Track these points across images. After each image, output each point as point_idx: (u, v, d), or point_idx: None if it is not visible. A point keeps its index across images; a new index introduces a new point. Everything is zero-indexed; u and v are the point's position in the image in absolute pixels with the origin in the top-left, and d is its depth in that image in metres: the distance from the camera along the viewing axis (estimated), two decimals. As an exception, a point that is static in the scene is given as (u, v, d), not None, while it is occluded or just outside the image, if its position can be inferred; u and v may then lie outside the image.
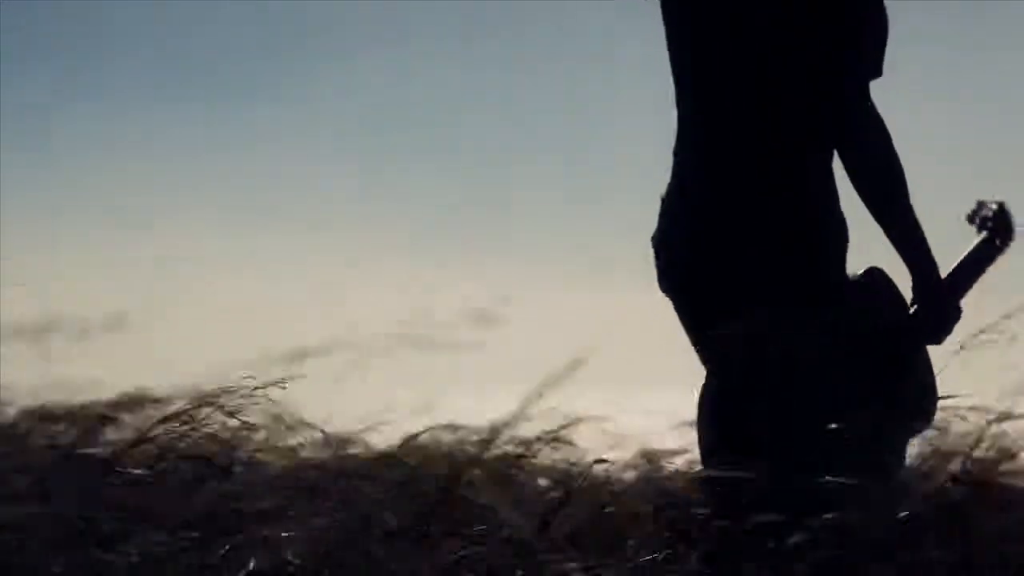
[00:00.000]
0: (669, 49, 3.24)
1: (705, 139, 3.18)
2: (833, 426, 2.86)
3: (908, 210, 3.09)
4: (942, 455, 2.99)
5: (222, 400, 3.48)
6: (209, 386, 3.54)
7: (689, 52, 3.19)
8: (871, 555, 2.84)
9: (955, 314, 3.12)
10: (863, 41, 3.12)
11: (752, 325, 2.98)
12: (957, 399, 3.04)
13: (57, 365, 4.31)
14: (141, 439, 3.51)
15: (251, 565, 2.95)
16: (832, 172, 3.15)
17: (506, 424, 3.50)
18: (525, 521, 3.18)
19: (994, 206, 3.16)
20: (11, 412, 4.21)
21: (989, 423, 2.97)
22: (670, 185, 3.21)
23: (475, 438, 3.58)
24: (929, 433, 3.03)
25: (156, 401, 3.74)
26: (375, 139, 14.09)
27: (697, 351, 3.14)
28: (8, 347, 4.30)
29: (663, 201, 3.21)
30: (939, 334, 3.11)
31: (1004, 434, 2.99)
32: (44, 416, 4.07)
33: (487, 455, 3.51)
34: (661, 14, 3.24)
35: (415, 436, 3.76)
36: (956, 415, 3.03)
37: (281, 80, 14.34)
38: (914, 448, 3.04)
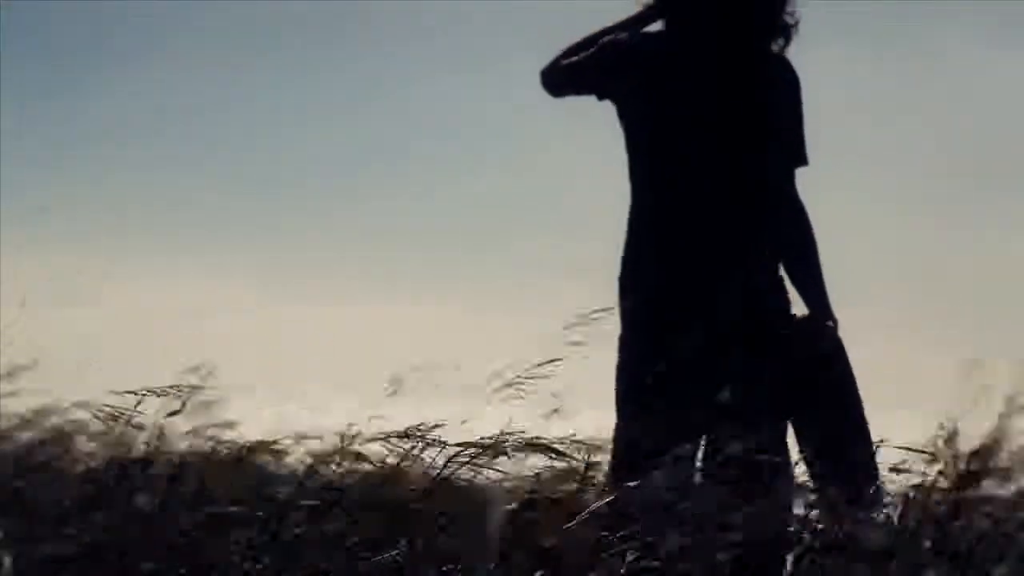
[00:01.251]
0: (629, 136, 3.77)
1: (660, 199, 3.72)
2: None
3: (816, 272, 3.68)
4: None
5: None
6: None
7: (647, 144, 3.74)
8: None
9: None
10: (789, 136, 3.70)
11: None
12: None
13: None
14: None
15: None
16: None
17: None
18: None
19: None
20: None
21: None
22: (633, 236, 3.74)
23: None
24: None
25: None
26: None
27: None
28: None
29: (627, 248, 3.73)
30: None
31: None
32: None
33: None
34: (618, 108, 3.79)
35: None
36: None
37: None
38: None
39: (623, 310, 3.67)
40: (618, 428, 3.57)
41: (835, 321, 3.63)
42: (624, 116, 3.79)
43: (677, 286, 3.63)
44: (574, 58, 3.85)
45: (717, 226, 3.65)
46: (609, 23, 3.89)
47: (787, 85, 3.70)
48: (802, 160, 3.71)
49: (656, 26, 3.86)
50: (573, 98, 3.91)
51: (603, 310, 3.62)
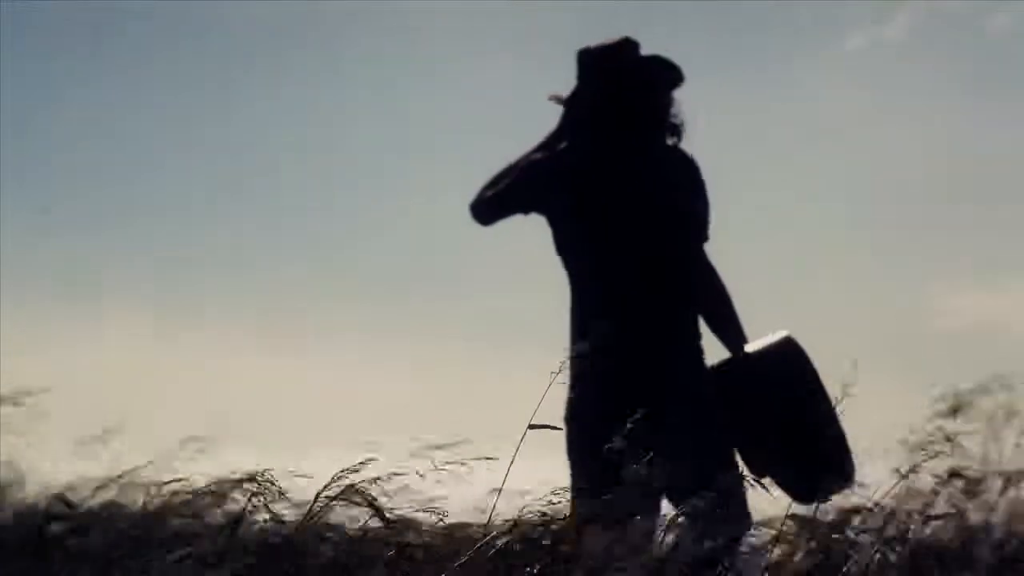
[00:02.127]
0: (559, 238, 4.28)
1: (592, 289, 4.22)
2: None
3: (735, 323, 4.21)
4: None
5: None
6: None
7: (575, 242, 4.25)
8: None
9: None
10: (698, 219, 4.25)
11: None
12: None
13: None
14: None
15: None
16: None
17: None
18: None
19: None
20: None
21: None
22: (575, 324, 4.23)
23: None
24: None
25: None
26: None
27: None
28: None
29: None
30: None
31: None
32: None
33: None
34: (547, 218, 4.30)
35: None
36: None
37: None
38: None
39: (573, 388, 4.11)
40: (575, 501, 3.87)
41: (755, 356, 4.15)
42: (552, 223, 4.31)
43: (620, 360, 4.08)
44: (497, 188, 4.35)
45: (642, 309, 4.14)
46: (520, 154, 4.39)
47: (688, 171, 4.25)
48: (705, 236, 4.25)
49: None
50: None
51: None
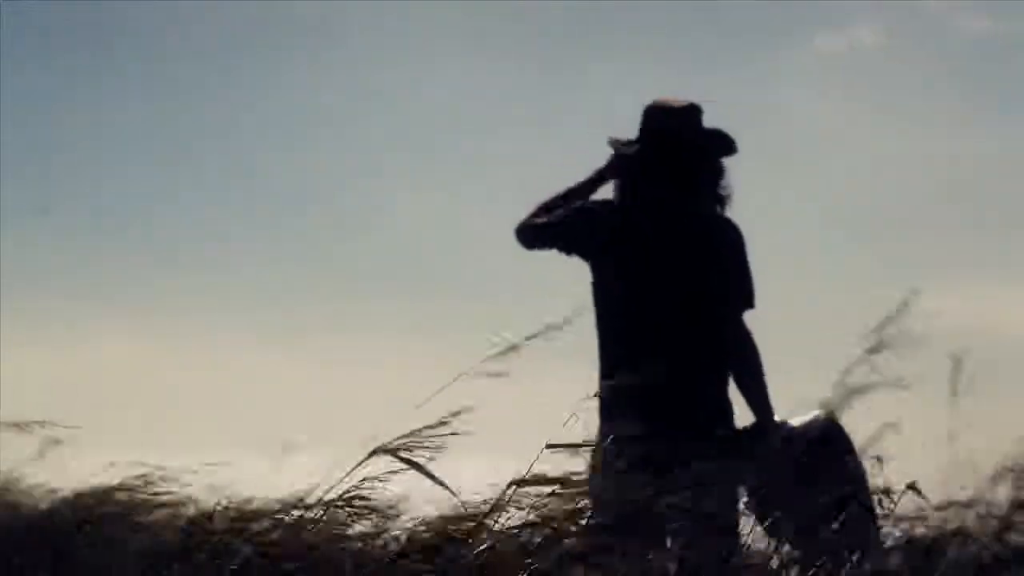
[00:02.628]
0: (599, 292, 4.36)
1: (631, 349, 4.28)
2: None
3: (762, 385, 4.29)
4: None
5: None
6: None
7: (618, 302, 4.33)
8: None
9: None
10: (740, 286, 4.34)
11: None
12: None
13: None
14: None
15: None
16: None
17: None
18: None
19: None
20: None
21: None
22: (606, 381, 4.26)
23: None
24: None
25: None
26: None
27: None
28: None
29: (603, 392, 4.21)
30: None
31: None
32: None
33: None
34: (590, 265, 4.39)
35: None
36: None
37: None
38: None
39: (605, 433, 4.11)
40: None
41: (777, 424, 4.23)
42: (596, 278, 4.39)
43: (652, 413, 4.07)
44: (544, 218, 4.44)
45: (682, 371, 4.21)
46: (572, 184, 4.51)
47: (733, 241, 4.34)
48: (750, 304, 4.34)
49: (609, 188, 4.48)
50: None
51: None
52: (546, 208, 4.48)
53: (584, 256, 4.43)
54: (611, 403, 4.15)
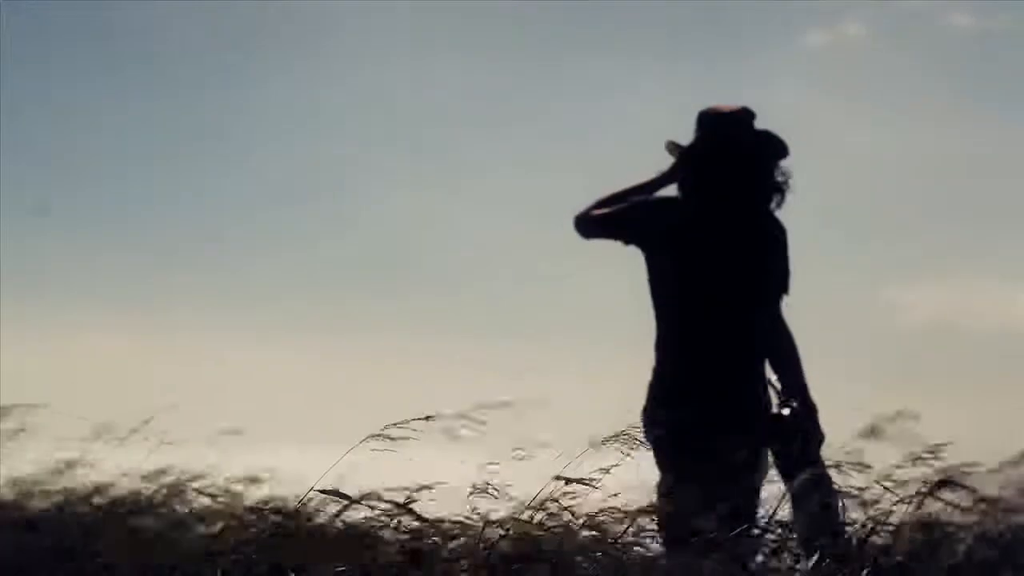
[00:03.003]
0: (657, 280, 4.70)
1: (687, 330, 4.64)
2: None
3: (799, 368, 4.65)
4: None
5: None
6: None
7: (676, 287, 4.66)
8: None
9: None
10: (781, 275, 4.73)
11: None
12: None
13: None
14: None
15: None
16: None
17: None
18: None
19: None
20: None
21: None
22: (666, 358, 4.65)
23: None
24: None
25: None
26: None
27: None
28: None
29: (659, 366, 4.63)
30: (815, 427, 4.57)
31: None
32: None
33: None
34: (646, 256, 4.73)
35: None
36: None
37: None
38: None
39: (656, 417, 4.51)
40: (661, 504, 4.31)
41: (814, 407, 4.58)
42: (652, 264, 4.71)
43: (705, 388, 4.52)
44: (605, 210, 4.78)
45: (734, 347, 4.59)
46: (633, 183, 4.84)
47: (780, 236, 4.73)
48: (786, 290, 4.71)
49: (671, 190, 4.83)
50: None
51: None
52: (607, 202, 4.81)
53: (643, 247, 4.75)
54: (667, 388, 4.58)
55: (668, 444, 4.45)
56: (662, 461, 4.48)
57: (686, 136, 4.81)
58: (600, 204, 4.80)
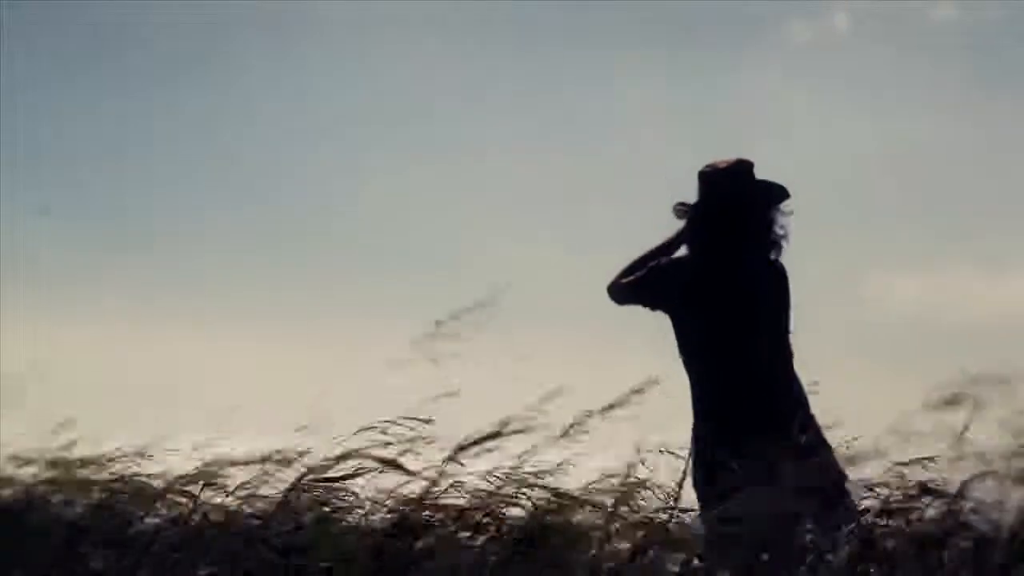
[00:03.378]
0: (682, 339, 5.11)
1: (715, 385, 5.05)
2: None
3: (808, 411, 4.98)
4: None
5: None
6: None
7: (697, 342, 5.09)
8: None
9: None
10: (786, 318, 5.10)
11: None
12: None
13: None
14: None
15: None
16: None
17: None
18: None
19: None
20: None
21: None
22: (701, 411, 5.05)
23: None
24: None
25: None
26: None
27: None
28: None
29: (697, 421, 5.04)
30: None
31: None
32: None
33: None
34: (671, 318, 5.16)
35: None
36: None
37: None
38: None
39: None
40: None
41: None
42: (676, 324, 5.15)
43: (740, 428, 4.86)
44: (629, 278, 5.24)
45: (757, 390, 4.98)
46: (651, 247, 5.28)
47: (781, 283, 5.13)
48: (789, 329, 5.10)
49: (683, 250, 5.24)
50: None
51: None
52: (629, 270, 5.29)
53: (664, 310, 5.20)
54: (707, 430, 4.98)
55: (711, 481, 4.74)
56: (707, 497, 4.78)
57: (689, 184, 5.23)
58: (625, 272, 5.28)
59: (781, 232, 5.12)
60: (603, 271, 5.40)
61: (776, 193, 5.11)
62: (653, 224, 5.33)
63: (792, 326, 5.09)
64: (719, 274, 5.09)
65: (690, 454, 4.88)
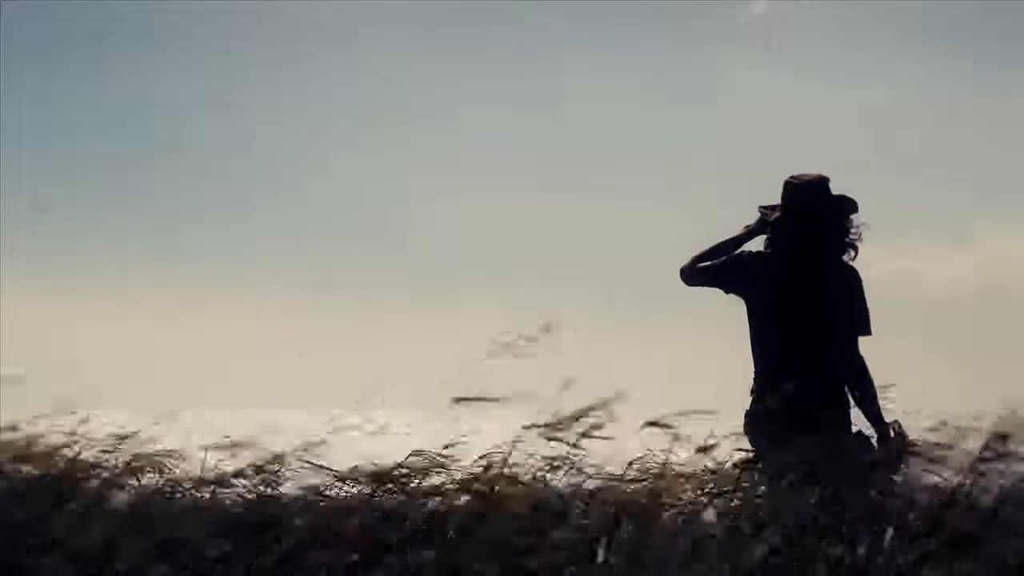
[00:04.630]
0: (755, 323, 5.79)
1: (779, 363, 5.73)
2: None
3: (876, 401, 5.66)
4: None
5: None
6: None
7: (770, 328, 5.77)
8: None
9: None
10: (857, 317, 5.77)
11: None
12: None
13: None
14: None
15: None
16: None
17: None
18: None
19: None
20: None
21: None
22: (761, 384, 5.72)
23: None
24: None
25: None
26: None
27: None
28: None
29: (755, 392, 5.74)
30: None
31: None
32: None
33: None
34: (746, 304, 5.85)
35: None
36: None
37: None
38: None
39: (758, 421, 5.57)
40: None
41: (891, 430, 5.58)
42: (751, 310, 5.83)
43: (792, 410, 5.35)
44: (706, 263, 5.92)
45: (815, 374, 5.63)
46: (727, 236, 5.97)
47: (854, 283, 5.81)
48: (867, 331, 5.79)
49: (759, 241, 5.94)
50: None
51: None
52: (704, 256, 5.96)
53: (738, 294, 5.89)
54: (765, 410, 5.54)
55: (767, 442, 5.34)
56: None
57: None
58: (700, 258, 5.94)
59: (855, 238, 5.83)
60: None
61: (848, 205, 5.83)
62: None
63: (868, 327, 5.76)
64: (802, 270, 5.78)
65: (747, 429, 5.54)
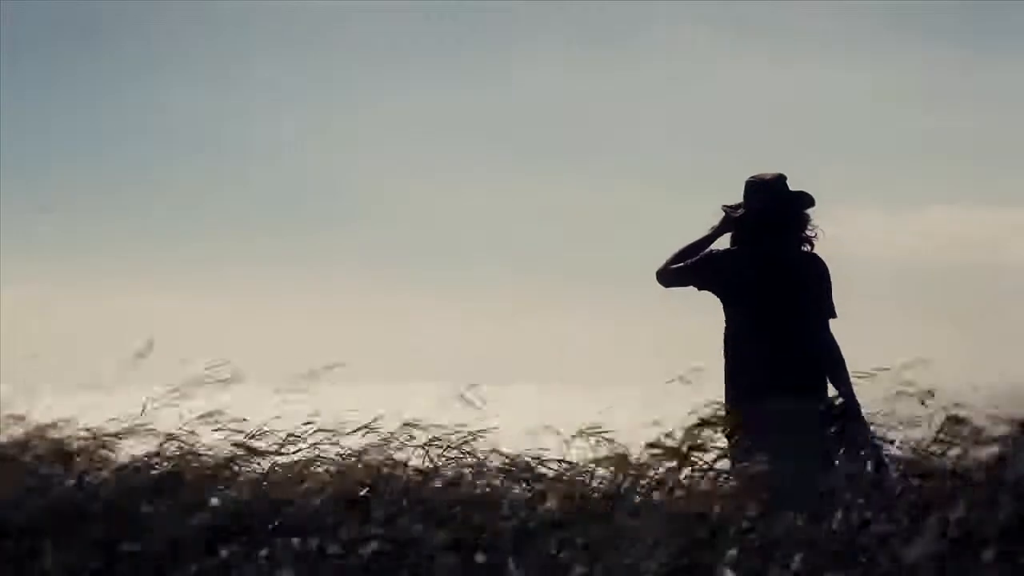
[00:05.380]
0: (729, 313, 6.27)
1: (749, 348, 6.18)
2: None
3: (847, 381, 6.09)
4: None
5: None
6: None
7: (740, 318, 6.25)
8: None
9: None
10: (826, 300, 6.24)
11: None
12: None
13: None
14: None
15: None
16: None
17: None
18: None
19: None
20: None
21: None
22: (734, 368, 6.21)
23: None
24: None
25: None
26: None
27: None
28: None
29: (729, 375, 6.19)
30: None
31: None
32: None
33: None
34: (720, 298, 6.32)
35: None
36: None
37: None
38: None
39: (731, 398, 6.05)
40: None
41: (859, 406, 6.03)
42: (724, 303, 6.28)
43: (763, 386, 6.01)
44: (679, 264, 6.37)
45: (781, 359, 6.11)
46: (692, 240, 6.42)
47: (817, 270, 6.25)
48: (832, 314, 6.23)
49: (726, 240, 6.39)
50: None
51: None
52: (676, 258, 6.41)
53: (713, 290, 6.33)
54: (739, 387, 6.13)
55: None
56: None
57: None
58: (672, 260, 6.39)
59: (812, 232, 6.30)
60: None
61: (807, 200, 6.31)
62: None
63: (834, 311, 6.19)
64: (767, 262, 6.24)
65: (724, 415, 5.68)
